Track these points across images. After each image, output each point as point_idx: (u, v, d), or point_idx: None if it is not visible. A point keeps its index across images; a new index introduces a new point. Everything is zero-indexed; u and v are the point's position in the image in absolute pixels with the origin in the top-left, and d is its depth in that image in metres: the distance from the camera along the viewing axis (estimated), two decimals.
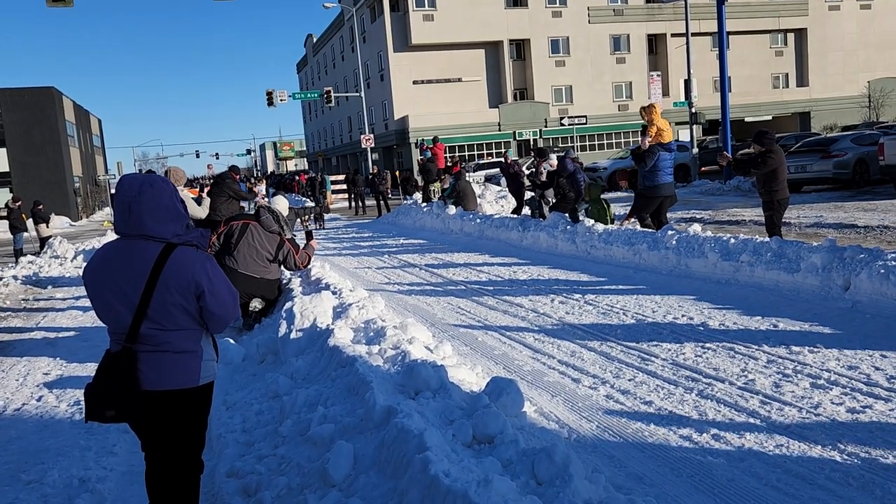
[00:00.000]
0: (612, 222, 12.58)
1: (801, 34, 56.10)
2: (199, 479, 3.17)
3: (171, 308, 2.79)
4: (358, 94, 41.05)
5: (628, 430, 4.17)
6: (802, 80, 56.35)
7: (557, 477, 2.91)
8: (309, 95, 45.79)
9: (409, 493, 2.87)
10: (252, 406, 4.76)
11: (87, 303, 10.17)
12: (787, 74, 57.01)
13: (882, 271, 6.52)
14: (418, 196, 22.24)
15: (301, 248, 7.36)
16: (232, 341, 6.36)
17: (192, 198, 9.86)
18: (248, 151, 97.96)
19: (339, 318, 5.66)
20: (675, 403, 4.53)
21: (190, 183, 40.22)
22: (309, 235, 7.81)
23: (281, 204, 7.51)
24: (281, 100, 37.20)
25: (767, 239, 8.58)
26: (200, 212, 8.79)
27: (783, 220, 11.22)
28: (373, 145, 38.57)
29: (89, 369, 5.99)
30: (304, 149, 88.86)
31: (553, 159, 16.46)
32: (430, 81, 48.44)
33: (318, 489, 3.32)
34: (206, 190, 12.32)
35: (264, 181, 27.78)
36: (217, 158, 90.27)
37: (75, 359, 6.89)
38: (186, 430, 2.97)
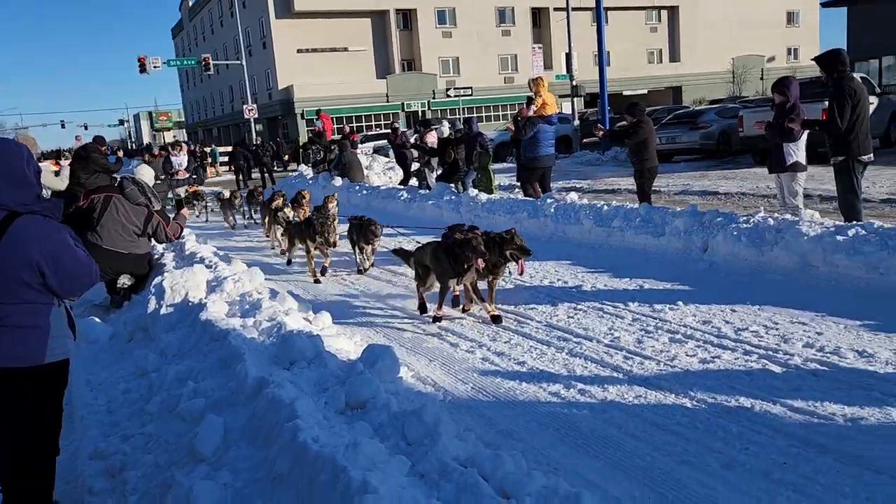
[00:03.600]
0: (494, 192, 12.85)
1: (673, 11, 58.89)
2: (55, 463, 3.01)
3: (10, 281, 2.61)
4: (239, 62, 39.44)
5: (501, 389, 4.32)
6: (675, 56, 59.31)
7: (427, 436, 2.98)
8: (185, 63, 43.61)
9: (278, 462, 2.85)
10: (118, 385, 4.55)
11: None
12: (660, 50, 59.79)
13: (735, 234, 7.03)
14: (304, 168, 21.79)
15: (172, 218, 7.04)
16: (98, 320, 6.03)
17: (53, 171, 9.19)
18: (121, 122, 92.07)
19: (214, 292, 5.49)
20: (546, 362, 4.73)
21: (49, 154, 37.00)
22: (180, 205, 7.48)
23: (146, 174, 7.12)
24: (154, 67, 35.13)
25: (637, 205, 9.04)
26: (59, 183, 8.19)
27: (654, 188, 11.86)
28: (256, 116, 37.30)
29: None
30: (183, 119, 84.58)
31: (445, 126, 16.57)
32: (315, 50, 47.24)
33: (186, 465, 3.23)
34: (66, 161, 11.34)
35: (184, 148, 20.65)
36: (86, 129, 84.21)
37: None
38: (36, 410, 2.80)
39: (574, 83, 30.24)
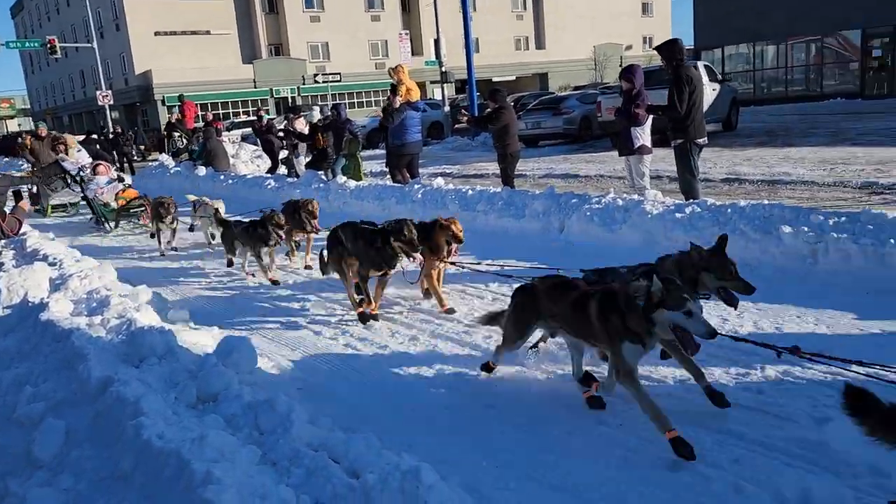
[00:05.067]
0: (363, 178, 12.86)
1: (537, 0, 60.73)
2: None
3: None
4: (90, 45, 36.75)
5: (362, 373, 4.38)
6: (540, 44, 61.23)
7: (279, 425, 2.98)
8: (28, 45, 40.11)
9: (122, 461, 2.77)
10: None
11: None
12: (527, 38, 61.53)
13: (588, 214, 7.45)
14: (165, 157, 20.77)
15: (8, 213, 6.51)
16: None
17: None
18: None
19: (58, 291, 5.16)
20: (408, 345, 4.83)
21: None
22: (18, 196, 6.89)
23: None
24: None
25: (500, 189, 9.34)
26: None
27: (520, 172, 12.27)
28: (111, 102, 34.96)
29: None
30: (28, 106, 77.86)
31: (315, 111, 16.29)
32: (174, 33, 44.87)
33: (23, 472, 3.06)
34: None
35: (72, 144, 15.34)
36: None
37: None
38: None
39: (443, 69, 30.51)
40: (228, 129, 31.13)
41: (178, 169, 17.88)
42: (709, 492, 2.84)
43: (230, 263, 7.51)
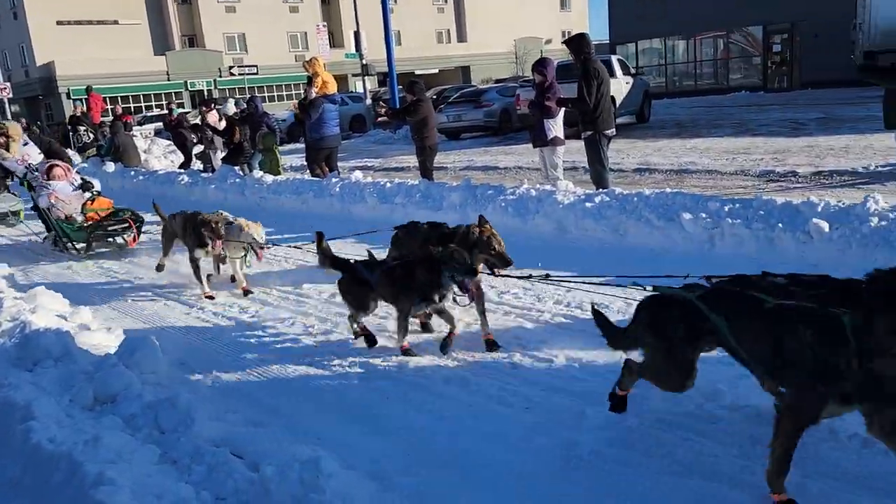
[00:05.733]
0: (280, 173, 12.66)
1: None
2: None
3: None
4: None
5: (273, 368, 4.32)
6: (462, 37, 61.54)
7: (181, 423, 2.93)
8: None
9: (10, 467, 2.66)
10: None
11: None
12: (448, 31, 61.72)
13: (503, 205, 7.58)
14: (71, 153, 19.83)
15: None
16: None
17: None
18: None
19: None
20: (322, 338, 4.81)
21: None
22: None
23: None
24: None
25: (418, 182, 9.38)
26: None
27: (441, 165, 12.33)
28: (10, 95, 33.03)
29: None
30: None
31: (230, 104, 15.89)
32: (79, 23, 42.77)
33: None
34: None
35: (15, 135, 9.66)
36: None
37: None
38: None
39: (364, 62, 30.29)
40: (141, 124, 30.04)
41: (86, 165, 17.13)
42: (603, 469, 2.95)
43: (357, 335, 4.65)
